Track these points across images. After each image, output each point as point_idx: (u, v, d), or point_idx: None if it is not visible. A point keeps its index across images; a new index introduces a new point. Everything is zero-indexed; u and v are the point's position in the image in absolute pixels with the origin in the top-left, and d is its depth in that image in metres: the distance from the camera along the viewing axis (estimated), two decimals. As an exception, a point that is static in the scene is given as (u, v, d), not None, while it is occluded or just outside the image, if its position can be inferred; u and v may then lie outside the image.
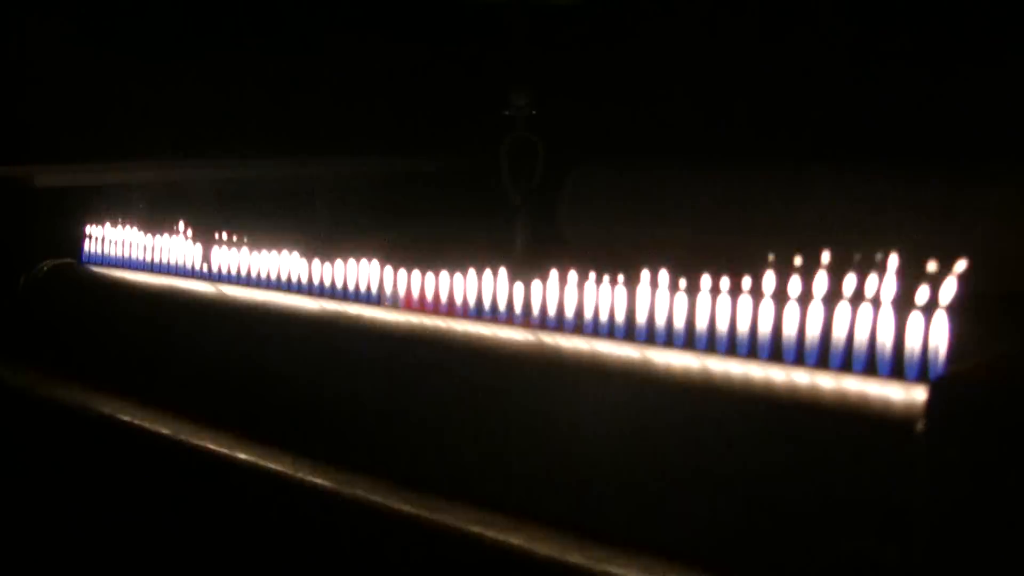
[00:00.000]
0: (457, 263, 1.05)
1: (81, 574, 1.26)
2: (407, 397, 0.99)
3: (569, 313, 0.94)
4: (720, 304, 0.83)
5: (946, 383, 0.70)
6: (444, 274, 1.04)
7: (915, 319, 0.74)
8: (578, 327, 0.93)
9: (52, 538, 1.29)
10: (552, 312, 0.95)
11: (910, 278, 0.75)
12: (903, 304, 0.75)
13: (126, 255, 1.43)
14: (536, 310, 0.96)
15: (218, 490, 1.08)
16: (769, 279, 0.81)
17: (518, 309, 0.98)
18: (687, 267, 0.87)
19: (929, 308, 0.74)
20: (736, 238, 1.63)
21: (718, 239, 1.68)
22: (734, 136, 1.82)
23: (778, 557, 0.72)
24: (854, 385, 0.74)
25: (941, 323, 0.73)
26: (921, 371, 0.74)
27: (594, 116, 1.98)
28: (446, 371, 0.97)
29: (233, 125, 2.14)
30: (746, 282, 0.82)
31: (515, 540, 0.81)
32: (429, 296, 1.05)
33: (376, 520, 0.91)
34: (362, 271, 1.12)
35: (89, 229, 1.48)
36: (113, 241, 1.45)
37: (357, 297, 1.13)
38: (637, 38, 1.98)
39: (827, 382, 0.76)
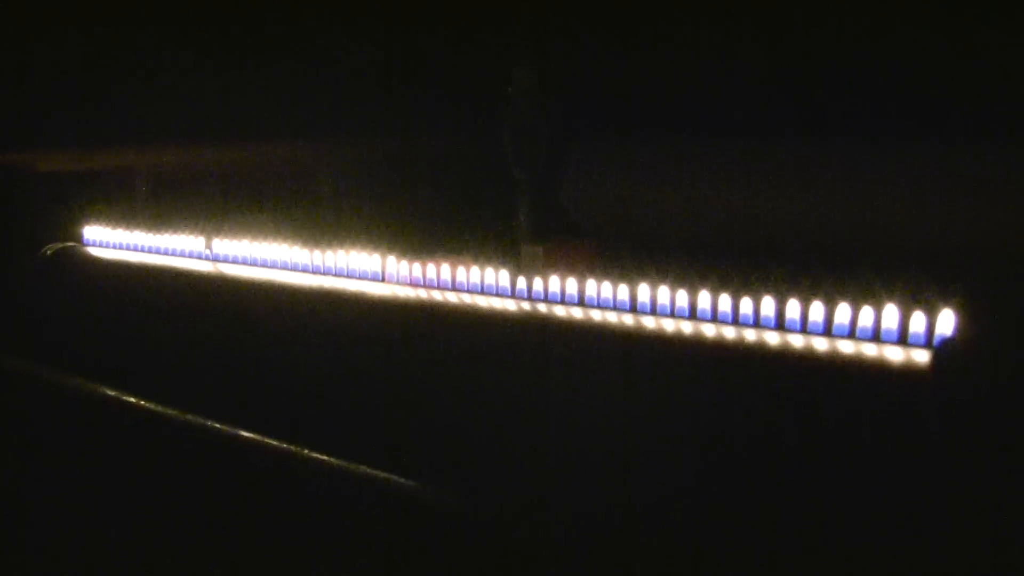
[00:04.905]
0: (461, 243, 1.05)
1: (88, 555, 1.26)
2: (409, 373, 0.99)
3: (574, 288, 0.94)
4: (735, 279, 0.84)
5: (948, 348, 0.71)
6: (448, 253, 1.04)
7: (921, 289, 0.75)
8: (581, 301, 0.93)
9: (56, 519, 1.29)
10: (558, 288, 0.95)
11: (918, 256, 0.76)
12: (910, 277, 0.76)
13: (128, 238, 1.44)
14: (541, 286, 0.96)
15: (221, 465, 1.08)
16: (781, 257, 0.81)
17: (522, 286, 0.98)
18: (698, 245, 0.87)
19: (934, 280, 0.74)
20: (748, 215, 1.62)
21: (729, 217, 1.66)
22: (749, 113, 1.79)
23: (789, 511, 0.72)
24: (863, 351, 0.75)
25: (945, 293, 0.74)
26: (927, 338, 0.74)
27: (602, 92, 1.95)
28: (448, 346, 0.97)
29: (233, 107, 2.13)
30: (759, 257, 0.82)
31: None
32: (433, 274, 1.05)
33: (376, 492, 0.91)
34: (364, 250, 1.12)
35: (91, 213, 1.48)
36: (115, 224, 1.46)
37: (359, 276, 1.13)
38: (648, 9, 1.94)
39: (837, 348, 0.76)
